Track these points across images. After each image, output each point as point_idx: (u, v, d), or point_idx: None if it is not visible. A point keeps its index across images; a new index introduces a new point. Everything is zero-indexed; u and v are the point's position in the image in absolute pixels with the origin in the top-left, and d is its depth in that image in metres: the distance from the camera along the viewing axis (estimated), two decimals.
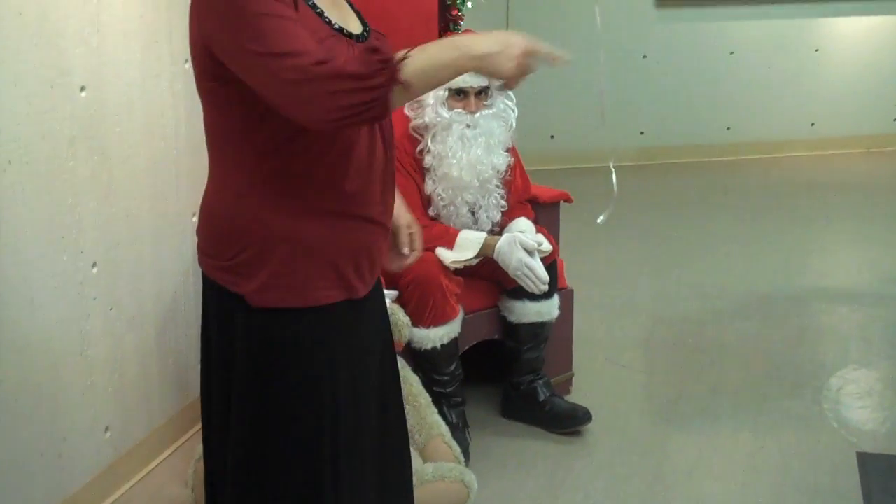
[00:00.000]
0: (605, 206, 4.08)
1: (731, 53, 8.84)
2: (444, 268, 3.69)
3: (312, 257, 2.16)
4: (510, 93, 3.91)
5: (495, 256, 3.74)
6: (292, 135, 2.08)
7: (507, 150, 3.90)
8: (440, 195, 3.81)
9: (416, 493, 3.20)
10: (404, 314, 3.54)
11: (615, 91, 8.28)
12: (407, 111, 3.82)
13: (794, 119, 9.00)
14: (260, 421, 2.20)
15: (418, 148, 3.80)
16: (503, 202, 3.92)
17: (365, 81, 1.94)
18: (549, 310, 3.96)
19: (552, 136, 8.66)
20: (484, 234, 3.79)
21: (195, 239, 3.77)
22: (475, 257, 3.75)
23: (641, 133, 8.77)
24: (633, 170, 8.40)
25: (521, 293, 3.88)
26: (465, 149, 3.76)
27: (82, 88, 3.19)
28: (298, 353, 2.20)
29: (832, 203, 7.49)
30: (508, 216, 3.95)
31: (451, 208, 3.82)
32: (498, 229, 3.91)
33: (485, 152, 3.78)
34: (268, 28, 1.96)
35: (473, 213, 3.87)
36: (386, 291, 3.46)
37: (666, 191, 7.92)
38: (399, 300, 3.59)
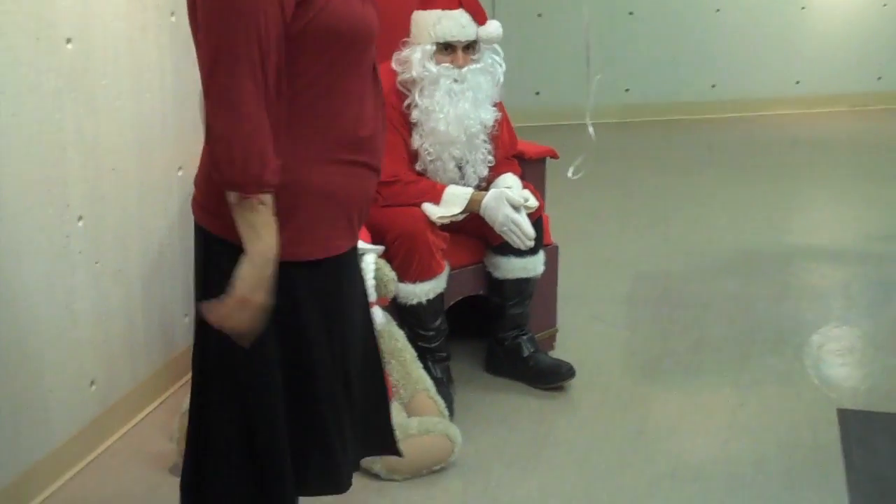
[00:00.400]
0: (585, 161, 4.11)
1: (717, 10, 8.83)
2: (431, 223, 3.70)
3: (333, 208, 2.22)
4: (497, 47, 3.89)
5: (482, 212, 3.75)
6: (312, 85, 2.14)
7: (495, 106, 3.90)
8: (427, 150, 3.80)
9: (401, 446, 3.23)
10: (390, 269, 3.54)
11: (601, 48, 8.26)
12: (394, 66, 3.80)
13: (780, 77, 9.00)
14: (296, 369, 2.28)
15: (405, 103, 3.79)
16: (490, 157, 3.91)
17: (244, 167, 2.03)
18: (534, 266, 3.98)
19: (537, 93, 8.66)
20: (470, 190, 3.78)
21: (182, 193, 3.79)
22: (462, 213, 3.75)
23: (627, 90, 8.77)
24: (617, 127, 8.40)
25: (506, 249, 3.89)
26: (453, 103, 3.75)
27: (68, 40, 3.17)
28: (323, 303, 2.26)
29: (816, 161, 7.52)
30: (495, 172, 3.95)
31: (438, 163, 3.82)
32: (485, 184, 3.91)
33: (472, 107, 3.78)
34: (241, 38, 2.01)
35: (460, 168, 3.87)
36: (372, 246, 3.48)
37: (651, 148, 7.94)
38: (385, 255, 3.60)
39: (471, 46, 3.80)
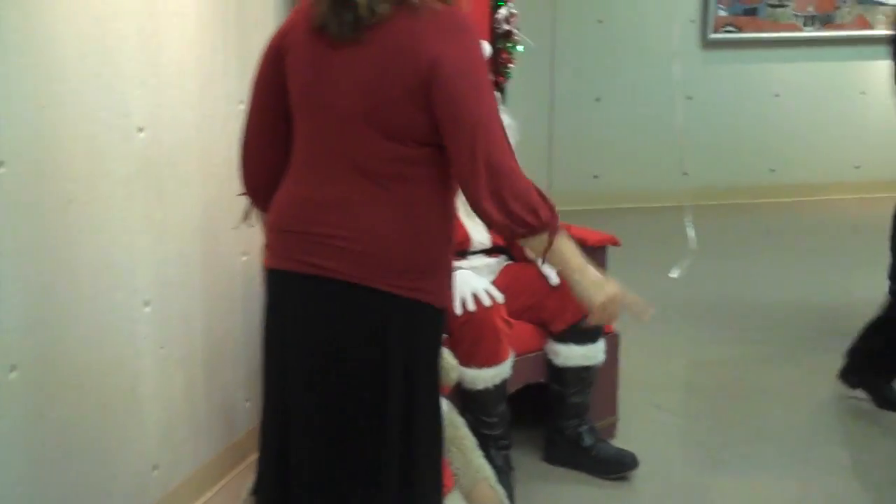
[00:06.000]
0: (675, 257, 4.11)
1: (776, 96, 8.84)
2: (500, 308, 3.71)
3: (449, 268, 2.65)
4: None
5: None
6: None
7: None
8: None
9: None
10: (452, 357, 3.54)
11: (660, 131, 8.29)
12: None
13: (839, 162, 8.97)
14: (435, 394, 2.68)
15: None
16: None
17: (545, 208, 2.44)
18: (595, 353, 3.96)
19: (595, 176, 8.67)
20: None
21: (245, 278, 3.83)
22: None
23: (685, 174, 8.76)
24: (675, 210, 8.37)
25: (567, 336, 3.89)
26: None
27: (140, 129, 3.24)
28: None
29: (877, 247, 7.42)
30: None
31: None
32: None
33: (508, 119, 3.84)
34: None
35: None
36: None
37: (708, 232, 7.87)
38: (448, 342, 3.59)
39: None
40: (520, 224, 2.41)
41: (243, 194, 2.81)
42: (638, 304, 2.60)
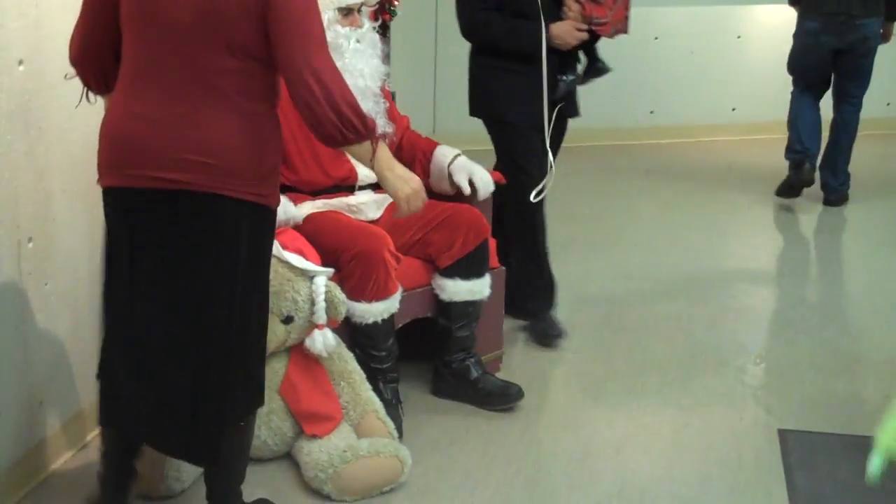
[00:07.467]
0: (545, 185, 4.18)
1: (656, 38, 8.95)
2: (388, 243, 3.72)
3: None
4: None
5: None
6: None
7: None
8: None
9: (351, 468, 3.28)
10: (340, 291, 3.56)
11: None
12: None
13: (716, 104, 9.14)
14: (263, 286, 2.90)
15: None
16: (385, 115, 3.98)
17: (368, 118, 2.76)
18: (480, 288, 4.02)
19: None
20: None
21: None
22: None
23: None
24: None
25: (453, 272, 3.94)
26: (364, 60, 3.81)
27: (20, 62, 3.17)
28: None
29: (753, 187, 7.63)
30: (410, 142, 4.25)
31: None
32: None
33: (379, 62, 3.88)
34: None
35: None
36: (322, 268, 3.50)
37: (591, 173, 8.00)
38: (336, 277, 3.61)
39: (361, 8, 3.89)
40: (350, 129, 2.68)
41: (75, 77, 2.94)
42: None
